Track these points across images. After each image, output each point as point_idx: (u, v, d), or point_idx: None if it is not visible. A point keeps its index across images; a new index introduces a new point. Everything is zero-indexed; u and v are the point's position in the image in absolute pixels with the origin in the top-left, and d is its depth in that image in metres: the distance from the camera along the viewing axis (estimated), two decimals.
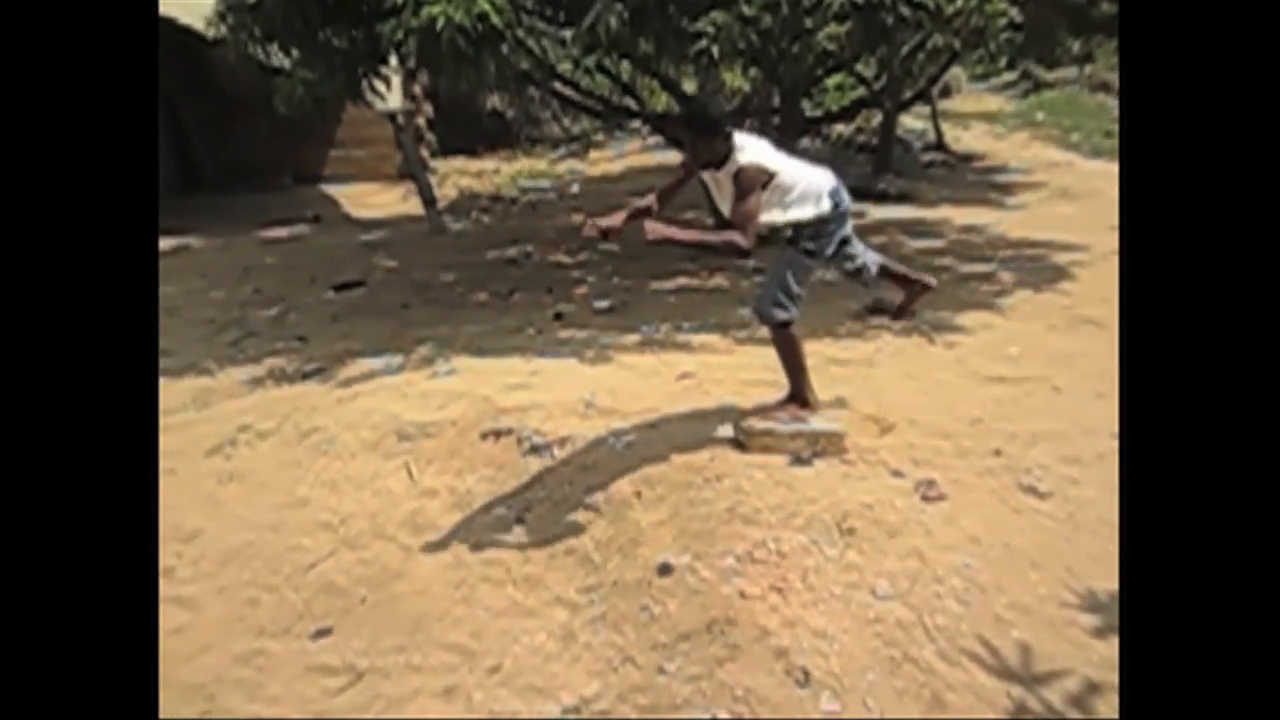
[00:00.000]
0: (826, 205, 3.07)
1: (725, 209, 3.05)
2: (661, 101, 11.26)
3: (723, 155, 2.94)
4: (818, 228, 3.10)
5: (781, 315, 3.13)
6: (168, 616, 2.87)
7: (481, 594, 2.85)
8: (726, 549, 2.74)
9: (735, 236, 2.81)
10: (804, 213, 3.05)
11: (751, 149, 2.95)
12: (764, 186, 2.90)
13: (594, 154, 12.66)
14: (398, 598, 2.85)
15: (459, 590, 2.87)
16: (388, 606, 2.82)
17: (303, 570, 3.06)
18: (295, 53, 5.99)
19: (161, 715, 2.49)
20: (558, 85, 8.27)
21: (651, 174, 11.17)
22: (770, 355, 4.52)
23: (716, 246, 3.00)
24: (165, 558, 3.17)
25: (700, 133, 2.95)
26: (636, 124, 12.07)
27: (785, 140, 7.45)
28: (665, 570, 2.73)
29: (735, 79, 12.03)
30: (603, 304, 5.73)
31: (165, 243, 8.61)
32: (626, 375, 4.17)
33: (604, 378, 4.11)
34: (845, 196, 3.19)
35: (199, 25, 7.72)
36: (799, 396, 3.31)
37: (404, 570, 2.98)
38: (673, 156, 9.89)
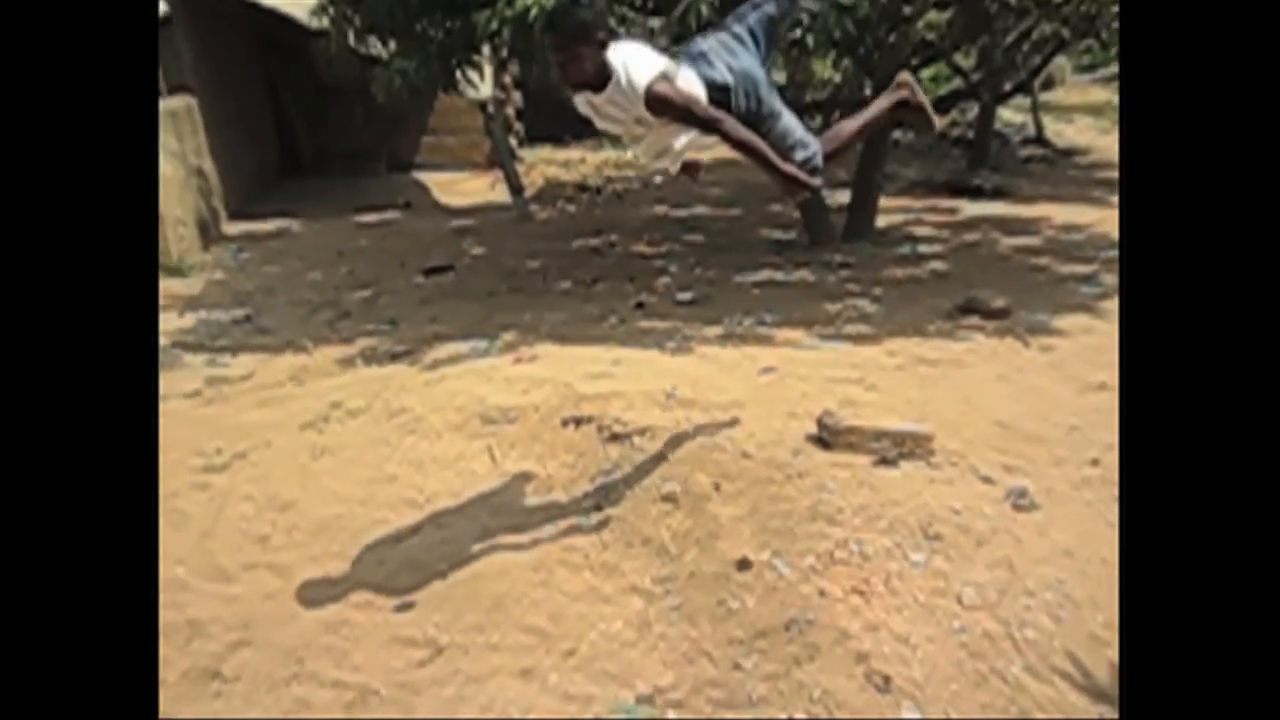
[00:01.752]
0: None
1: (621, 133, 2.62)
2: None
3: (600, 74, 2.40)
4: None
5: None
6: (263, 581, 3.00)
7: (559, 578, 2.88)
8: (807, 547, 2.70)
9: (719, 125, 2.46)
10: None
11: (634, 61, 2.41)
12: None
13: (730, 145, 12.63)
14: (478, 577, 2.91)
15: (537, 573, 2.91)
16: (468, 585, 2.88)
17: (388, 544, 3.15)
18: (393, 43, 6.17)
19: (254, 675, 2.62)
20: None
21: (739, 165, 11.08)
22: (857, 353, 4.45)
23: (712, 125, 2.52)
24: (261, 525, 3.32)
25: (565, 43, 2.38)
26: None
27: (879, 133, 7.27)
28: (744, 565, 2.71)
29: (825, 69, 11.80)
30: (685, 295, 5.72)
31: (268, 225, 9.01)
32: (708, 367, 4.15)
33: (685, 369, 4.10)
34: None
35: (302, 17, 8.01)
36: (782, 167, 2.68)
37: (485, 550, 3.04)
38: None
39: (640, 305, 5.57)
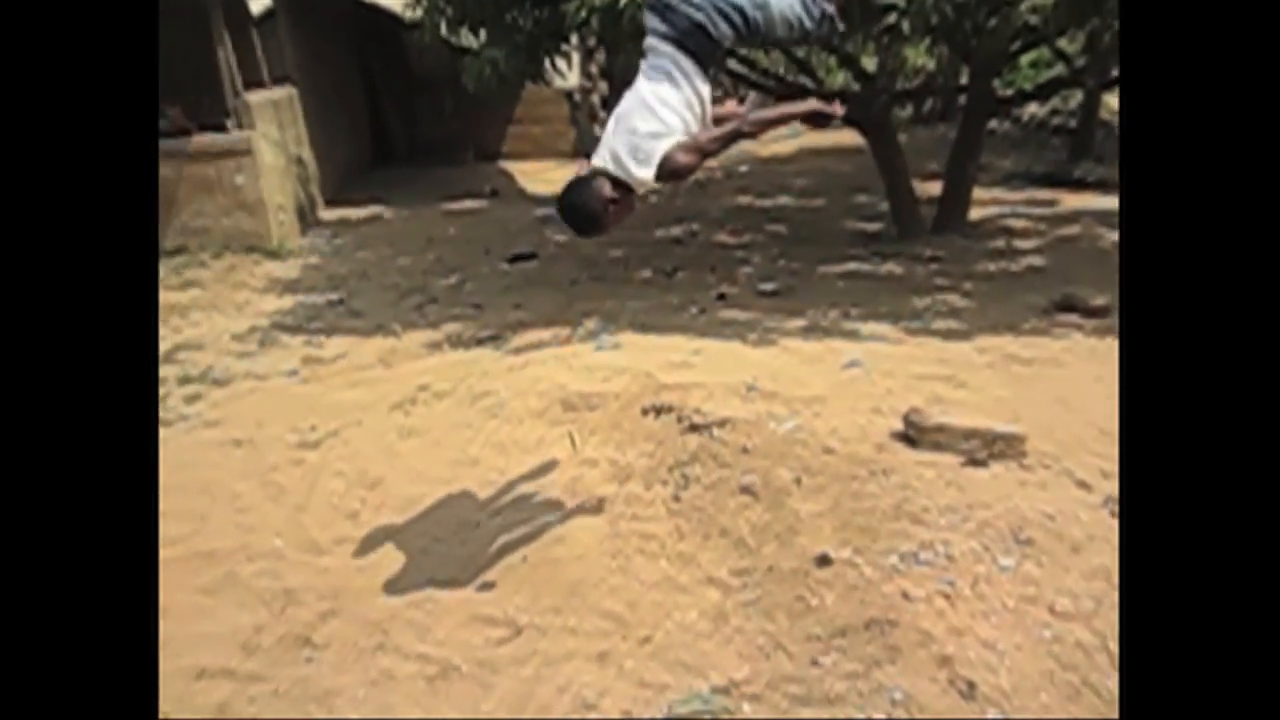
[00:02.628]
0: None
1: None
2: (838, 79, 10.89)
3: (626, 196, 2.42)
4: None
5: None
6: (351, 556, 3.11)
7: (636, 566, 2.90)
8: (890, 547, 2.64)
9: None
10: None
11: (631, 153, 2.33)
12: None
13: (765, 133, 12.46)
14: (557, 561, 2.95)
15: (615, 560, 2.93)
16: (547, 568, 2.92)
17: (470, 525, 3.22)
18: (483, 33, 6.27)
19: (343, 644, 2.72)
20: (731, 62, 8.18)
21: (824, 154, 10.87)
22: (946, 349, 4.31)
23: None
24: (351, 501, 3.45)
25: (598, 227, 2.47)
26: None
27: (975, 122, 7.01)
28: (823, 562, 2.66)
29: (918, 56, 11.43)
30: (768, 286, 5.65)
31: (361, 212, 9.31)
32: (790, 360, 4.09)
33: (767, 361, 4.05)
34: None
35: (397, 9, 8.22)
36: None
37: (563, 535, 3.08)
38: (848, 136, 9.56)
39: (722, 296, 5.53)
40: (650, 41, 2.36)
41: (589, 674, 2.46)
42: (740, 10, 2.30)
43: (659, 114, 2.29)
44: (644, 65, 2.38)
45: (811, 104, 2.48)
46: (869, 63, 8.60)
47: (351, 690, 2.48)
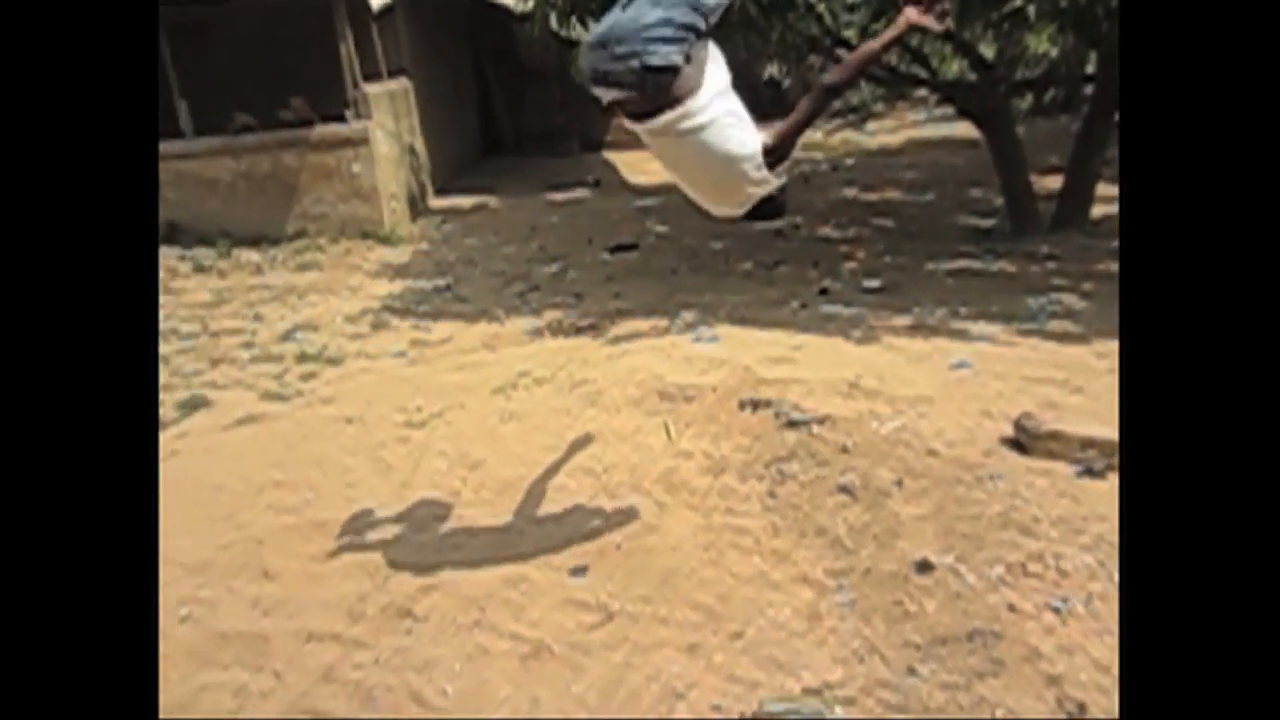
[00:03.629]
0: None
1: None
2: (953, 68, 10.47)
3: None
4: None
5: None
6: (451, 533, 3.21)
7: (729, 560, 2.88)
8: (996, 556, 2.53)
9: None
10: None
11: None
12: None
13: (872, 125, 12.12)
14: (650, 550, 2.96)
15: (707, 552, 2.92)
16: (640, 557, 2.93)
17: (567, 510, 3.27)
18: (593, 25, 6.33)
19: (441, 618, 2.81)
20: (842, 52, 7.98)
21: (935, 147, 10.50)
22: (1061, 352, 4.10)
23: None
24: (453, 481, 3.55)
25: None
26: (922, 93, 11.35)
27: (1101, 113, 6.62)
28: (924, 568, 2.58)
29: (1040, 43, 10.87)
30: (872, 282, 5.51)
31: (469, 200, 9.58)
32: (894, 358, 3.97)
33: (870, 359, 3.95)
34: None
35: (509, 2, 8.38)
36: None
37: (657, 524, 3.09)
38: (962, 128, 9.20)
39: (824, 291, 5.42)
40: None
41: (678, 664, 2.46)
42: None
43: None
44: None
45: (891, 34, 2.17)
46: (987, 51, 8.23)
47: (449, 663, 2.55)
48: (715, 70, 2.24)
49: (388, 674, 2.53)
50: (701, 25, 2.12)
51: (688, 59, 2.12)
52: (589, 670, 2.47)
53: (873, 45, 2.31)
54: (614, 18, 2.15)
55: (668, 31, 2.06)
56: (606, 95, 2.22)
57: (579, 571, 2.93)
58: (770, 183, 2.29)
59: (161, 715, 2.46)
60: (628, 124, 2.35)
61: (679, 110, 2.16)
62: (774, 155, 2.24)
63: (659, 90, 2.11)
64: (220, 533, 3.33)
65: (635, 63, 2.07)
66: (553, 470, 3.40)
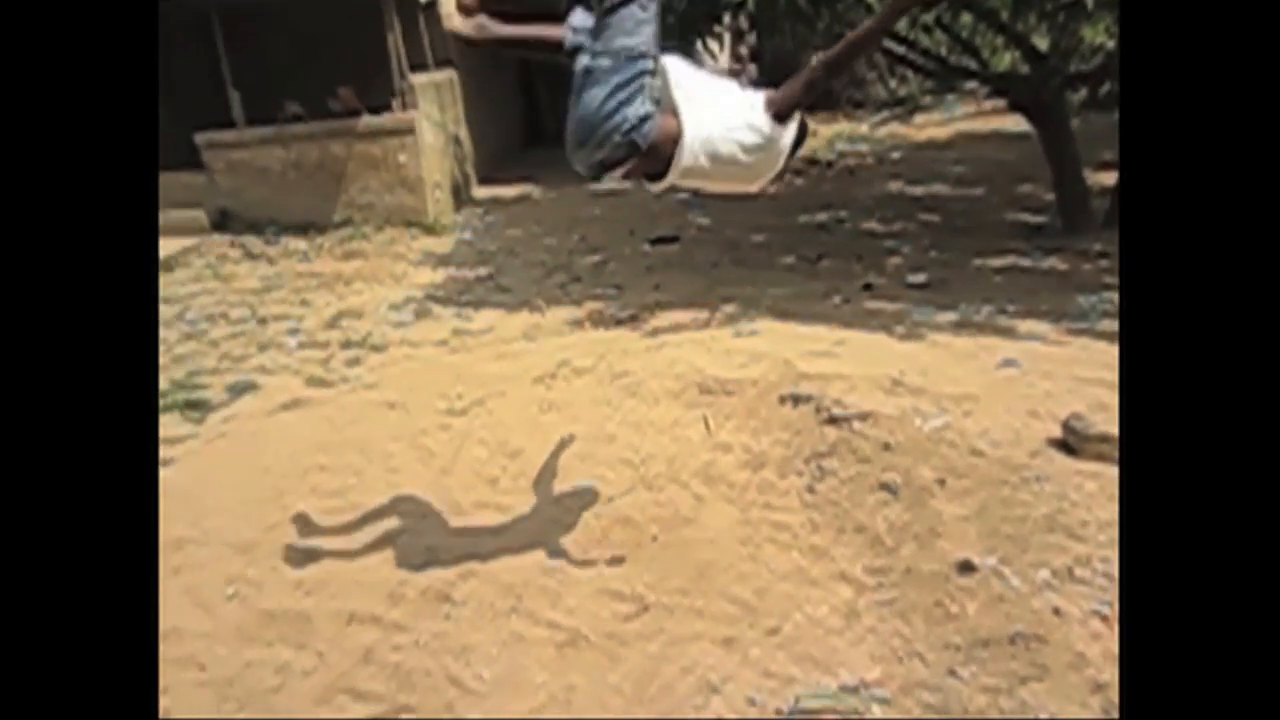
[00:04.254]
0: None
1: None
2: (1004, 60, 10.23)
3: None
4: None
5: None
6: (490, 519, 3.24)
7: (767, 554, 2.86)
8: (1041, 559, 2.48)
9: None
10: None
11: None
12: None
13: (920, 118, 11.89)
14: (687, 542, 2.96)
15: (745, 546, 2.91)
16: (677, 549, 2.93)
17: (603, 500, 3.28)
18: None
19: (479, 604, 2.84)
20: (890, 43, 7.84)
21: (985, 140, 10.29)
22: (1112, 353, 3.98)
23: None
24: (492, 468, 3.58)
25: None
26: (972, 86, 11.11)
27: None
28: (966, 569, 2.53)
29: (1096, 34, 10.55)
30: (918, 278, 5.42)
31: (511, 191, 9.64)
32: (939, 356, 3.91)
33: (914, 356, 3.89)
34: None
35: None
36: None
37: (695, 517, 3.08)
38: (1012, 122, 8.99)
39: (868, 286, 5.35)
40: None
41: (714, 657, 2.46)
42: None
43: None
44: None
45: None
46: (1041, 42, 8.02)
47: (486, 648, 2.58)
48: (683, 85, 2.20)
49: (426, 657, 2.57)
50: (649, 64, 2.13)
51: (656, 101, 2.14)
52: (624, 660, 2.48)
53: (870, 25, 2.28)
54: (574, 118, 2.18)
55: (622, 95, 2.09)
56: (617, 173, 2.24)
57: (615, 561, 2.93)
58: (789, 134, 2.23)
59: (209, 689, 2.53)
60: (648, 186, 2.36)
61: (680, 159, 2.18)
62: (781, 114, 2.19)
63: (651, 136, 2.13)
64: (266, 514, 3.40)
65: (617, 138, 2.12)
66: (548, 470, 3.40)
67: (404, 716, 2.35)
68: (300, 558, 3.05)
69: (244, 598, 2.92)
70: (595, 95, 2.11)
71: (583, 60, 2.16)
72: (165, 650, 2.70)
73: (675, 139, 2.15)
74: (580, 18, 2.24)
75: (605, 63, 2.11)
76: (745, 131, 2.18)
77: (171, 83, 9.40)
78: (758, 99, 2.21)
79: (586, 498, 3.26)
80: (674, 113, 2.16)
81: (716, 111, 2.19)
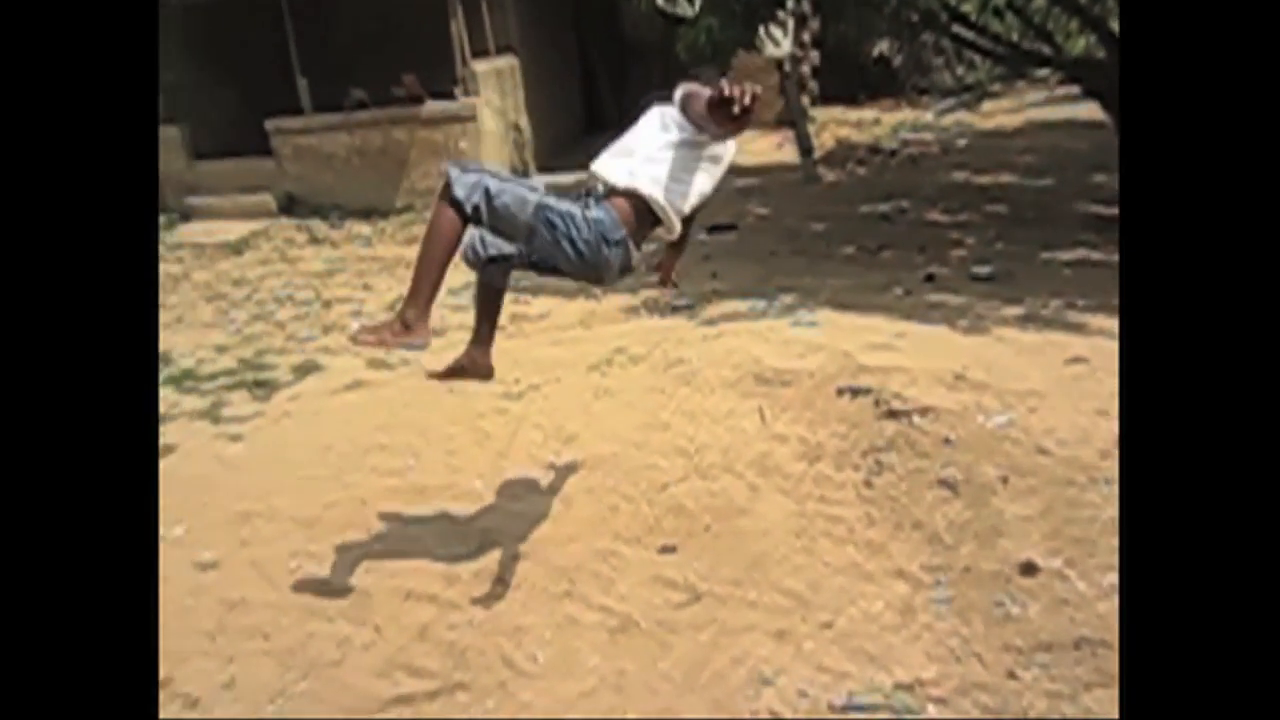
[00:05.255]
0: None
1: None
2: (1079, 45, 9.87)
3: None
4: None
5: (455, 187, 2.20)
6: (545, 504, 3.27)
7: (821, 548, 2.83)
8: (1108, 563, 2.40)
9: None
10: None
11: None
12: None
13: (988, 105, 11.56)
14: (741, 533, 2.94)
15: (799, 539, 2.88)
16: (730, 539, 2.92)
17: (657, 488, 3.28)
18: (698, 1, 6.26)
19: (532, 586, 2.87)
20: (958, 28, 7.63)
21: (1056, 129, 9.95)
22: None
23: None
24: (547, 453, 3.62)
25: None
26: (1044, 72, 10.75)
27: None
28: (1029, 570, 2.47)
29: None
30: (983, 270, 5.27)
31: (569, 178, 9.65)
32: (1004, 350, 3.80)
33: (978, 350, 3.78)
34: (616, 262, 2.28)
35: None
36: (404, 309, 2.31)
37: (749, 508, 3.06)
38: (1085, 109, 8.67)
39: (930, 277, 5.22)
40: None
41: (766, 649, 2.44)
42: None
43: None
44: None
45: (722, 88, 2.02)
46: (1118, 25, 7.71)
47: (538, 630, 2.61)
48: (617, 171, 2.31)
49: (480, 637, 2.61)
50: (546, 200, 2.22)
51: (591, 209, 2.23)
52: (675, 648, 2.48)
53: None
54: (580, 273, 2.34)
55: (567, 239, 2.19)
56: (639, 258, 2.39)
57: (668, 550, 2.94)
58: (725, 143, 2.31)
59: (273, 658, 2.62)
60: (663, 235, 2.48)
61: (669, 215, 2.34)
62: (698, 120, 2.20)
63: (620, 233, 2.24)
64: (328, 491, 3.49)
65: (607, 269, 2.27)
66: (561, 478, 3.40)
67: (458, 693, 2.40)
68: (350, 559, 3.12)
69: (308, 572, 3.01)
70: (563, 255, 2.21)
71: (515, 256, 2.34)
72: (232, 619, 2.80)
73: (644, 208, 2.27)
74: (474, 238, 2.35)
75: (533, 242, 2.22)
76: (690, 155, 2.28)
77: (244, 70, 9.68)
78: (678, 121, 2.29)
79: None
80: (623, 194, 2.26)
81: (662, 163, 2.28)
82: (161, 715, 2.42)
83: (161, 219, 9.31)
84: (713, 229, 7.17)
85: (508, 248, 2.35)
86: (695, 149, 2.30)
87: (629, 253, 2.27)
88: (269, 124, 8.89)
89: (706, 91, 2.13)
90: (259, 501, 3.46)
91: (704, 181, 2.37)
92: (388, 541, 3.14)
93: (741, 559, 2.81)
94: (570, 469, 3.40)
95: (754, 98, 1.93)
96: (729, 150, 2.41)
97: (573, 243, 2.18)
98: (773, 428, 3.48)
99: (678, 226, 2.40)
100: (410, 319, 2.26)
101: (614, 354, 4.38)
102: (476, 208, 2.17)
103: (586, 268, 2.26)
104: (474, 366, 2.62)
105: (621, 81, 12.35)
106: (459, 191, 2.16)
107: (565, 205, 2.22)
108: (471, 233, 2.31)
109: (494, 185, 2.19)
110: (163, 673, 2.57)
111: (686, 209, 2.36)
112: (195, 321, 6.25)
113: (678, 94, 2.30)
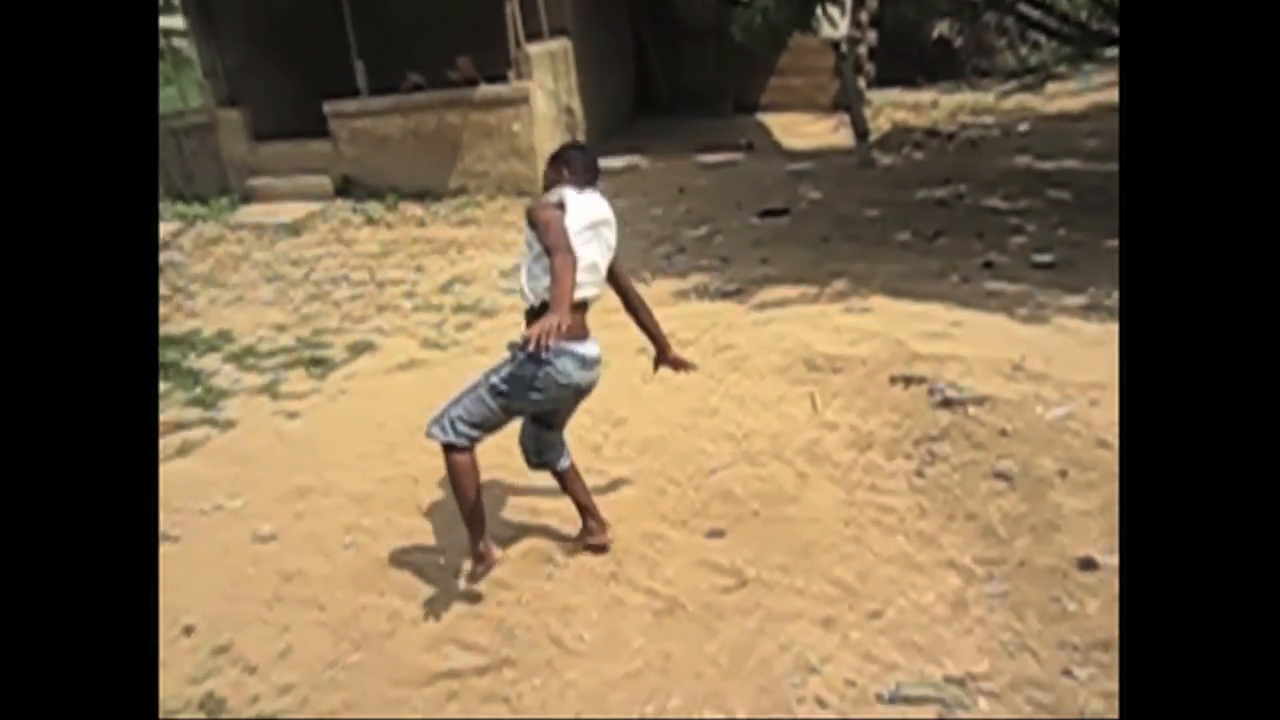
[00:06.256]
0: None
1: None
2: None
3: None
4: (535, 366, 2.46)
5: (441, 437, 2.53)
6: (593, 486, 3.28)
7: (871, 537, 2.80)
8: None
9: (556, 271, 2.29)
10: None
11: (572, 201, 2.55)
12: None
13: (1051, 88, 11.18)
14: (789, 519, 2.92)
15: (849, 528, 2.85)
16: (779, 525, 2.90)
17: (705, 473, 3.27)
18: None
19: (579, 567, 2.89)
20: (1023, 7, 7.39)
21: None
22: None
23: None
24: (595, 436, 3.63)
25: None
26: (1112, 53, 10.35)
27: None
28: (1088, 565, 2.40)
29: None
30: (1043, 258, 5.12)
31: (620, 161, 9.64)
32: (1066, 341, 3.69)
33: (1038, 340, 3.69)
34: (577, 373, 2.53)
35: None
36: (471, 546, 2.64)
37: (797, 495, 3.04)
38: None
39: (989, 265, 5.09)
40: None
41: (812, 637, 2.42)
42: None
43: None
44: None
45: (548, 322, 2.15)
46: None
47: (585, 610, 2.63)
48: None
49: (528, 615, 2.64)
50: (492, 383, 2.54)
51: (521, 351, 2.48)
52: (721, 632, 2.48)
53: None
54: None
55: (529, 382, 2.50)
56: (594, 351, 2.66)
57: (715, 534, 2.93)
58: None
59: (327, 629, 2.68)
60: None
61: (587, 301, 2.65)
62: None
63: (568, 359, 2.53)
64: (381, 468, 3.56)
65: (572, 380, 2.56)
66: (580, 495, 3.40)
67: (505, 669, 2.43)
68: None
69: (360, 546, 3.08)
70: (536, 400, 2.54)
71: (526, 437, 2.83)
72: (289, 590, 2.88)
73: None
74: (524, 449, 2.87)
75: (513, 412, 2.59)
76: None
77: (303, 53, 9.84)
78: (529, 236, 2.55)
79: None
80: (542, 307, 2.50)
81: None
82: (221, 680, 2.51)
83: (224, 200, 9.55)
84: (764, 213, 7.09)
85: (531, 446, 2.83)
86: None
87: (575, 353, 2.51)
88: (327, 107, 9.04)
89: (539, 209, 2.45)
90: (315, 476, 3.55)
91: (596, 251, 2.61)
92: (438, 519, 3.19)
93: (789, 546, 2.79)
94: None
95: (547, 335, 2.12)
96: (606, 213, 2.67)
97: (530, 388, 2.49)
98: (823, 415, 3.45)
99: (597, 290, 2.67)
100: (481, 550, 2.60)
101: None
102: (465, 435, 2.50)
103: (563, 392, 2.55)
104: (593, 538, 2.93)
105: (675, 64, 12.26)
106: (445, 438, 2.50)
107: (504, 369, 2.54)
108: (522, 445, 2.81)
109: (457, 410, 2.52)
110: (224, 638, 2.66)
111: (592, 279, 2.60)
112: (255, 300, 6.41)
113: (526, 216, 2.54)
